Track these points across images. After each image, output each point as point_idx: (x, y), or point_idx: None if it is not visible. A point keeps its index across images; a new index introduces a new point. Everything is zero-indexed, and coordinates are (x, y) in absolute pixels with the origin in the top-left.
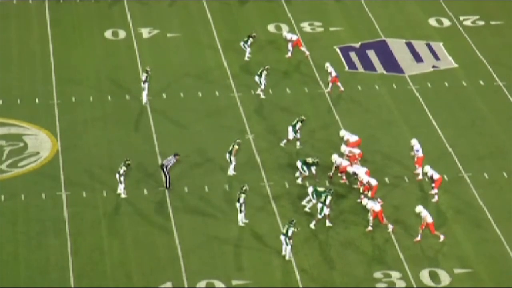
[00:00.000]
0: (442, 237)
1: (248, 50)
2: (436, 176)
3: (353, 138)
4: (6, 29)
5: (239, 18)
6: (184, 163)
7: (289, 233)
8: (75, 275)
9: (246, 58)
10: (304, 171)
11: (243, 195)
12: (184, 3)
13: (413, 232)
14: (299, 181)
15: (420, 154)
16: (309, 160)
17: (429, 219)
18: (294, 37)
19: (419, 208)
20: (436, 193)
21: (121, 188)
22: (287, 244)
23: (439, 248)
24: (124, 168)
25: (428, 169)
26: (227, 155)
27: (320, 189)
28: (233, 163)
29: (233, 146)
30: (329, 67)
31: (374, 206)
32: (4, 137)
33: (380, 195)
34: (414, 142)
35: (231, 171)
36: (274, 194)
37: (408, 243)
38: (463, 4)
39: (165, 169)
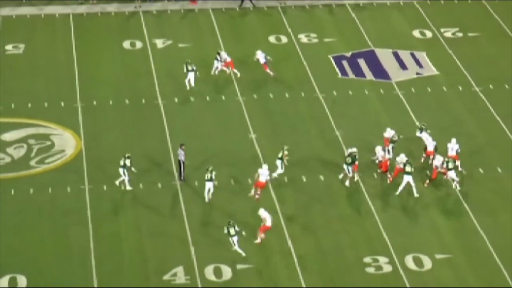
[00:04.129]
0: (259, 240)
1: (218, 64)
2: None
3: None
4: (34, 39)
5: (242, 30)
6: (193, 159)
7: (231, 232)
8: (96, 260)
9: (213, 72)
10: (349, 172)
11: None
12: (194, 16)
13: (399, 222)
14: (346, 184)
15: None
16: (348, 159)
17: (268, 222)
18: (228, 59)
19: (260, 211)
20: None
21: (125, 181)
22: (233, 243)
23: (422, 236)
24: (127, 161)
25: (402, 157)
26: (278, 161)
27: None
28: (282, 168)
29: (283, 152)
30: (258, 54)
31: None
32: (33, 137)
33: (369, 188)
34: (378, 150)
35: (277, 173)
36: (275, 187)
37: (394, 231)
38: (444, 18)
39: (181, 164)
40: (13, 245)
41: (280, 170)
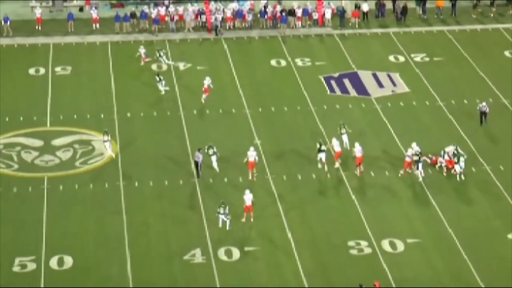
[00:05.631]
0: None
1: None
2: (338, 149)
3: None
4: (79, 62)
5: (249, 55)
6: (208, 161)
7: (222, 211)
8: (129, 243)
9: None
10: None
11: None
12: (210, 44)
13: (377, 212)
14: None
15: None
16: (323, 147)
17: (247, 203)
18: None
19: (246, 192)
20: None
21: (109, 150)
22: (226, 219)
23: (396, 223)
24: (109, 136)
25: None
26: (344, 136)
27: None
28: (347, 140)
29: (345, 127)
30: (140, 49)
31: None
32: (77, 142)
33: (352, 184)
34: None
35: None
36: (275, 183)
37: (373, 219)
38: (414, 45)
39: (199, 164)
40: (61, 231)
41: (346, 140)
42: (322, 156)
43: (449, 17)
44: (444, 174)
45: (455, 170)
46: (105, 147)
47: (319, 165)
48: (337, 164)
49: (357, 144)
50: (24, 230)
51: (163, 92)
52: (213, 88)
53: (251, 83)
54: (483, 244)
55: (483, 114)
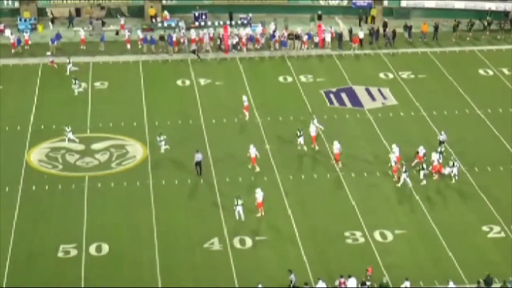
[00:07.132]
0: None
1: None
2: (313, 134)
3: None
4: (114, 78)
5: (260, 72)
6: (225, 162)
7: (239, 203)
8: (157, 234)
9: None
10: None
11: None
12: (226, 62)
13: (370, 207)
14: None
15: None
16: (301, 133)
17: (258, 199)
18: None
19: (256, 190)
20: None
21: (75, 140)
22: (241, 210)
23: (385, 216)
24: (68, 130)
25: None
26: (313, 125)
27: None
28: (322, 125)
29: (314, 119)
30: (50, 57)
31: None
32: (113, 146)
33: (348, 183)
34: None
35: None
36: (282, 182)
37: (366, 213)
38: (401, 64)
39: (201, 164)
40: (99, 222)
41: (317, 124)
42: (300, 139)
43: (432, 41)
44: (436, 178)
45: (443, 173)
46: (68, 139)
47: (298, 147)
48: (313, 146)
49: (335, 142)
50: (67, 221)
51: (76, 94)
52: (229, 101)
53: (261, 96)
54: (460, 234)
55: (442, 142)
